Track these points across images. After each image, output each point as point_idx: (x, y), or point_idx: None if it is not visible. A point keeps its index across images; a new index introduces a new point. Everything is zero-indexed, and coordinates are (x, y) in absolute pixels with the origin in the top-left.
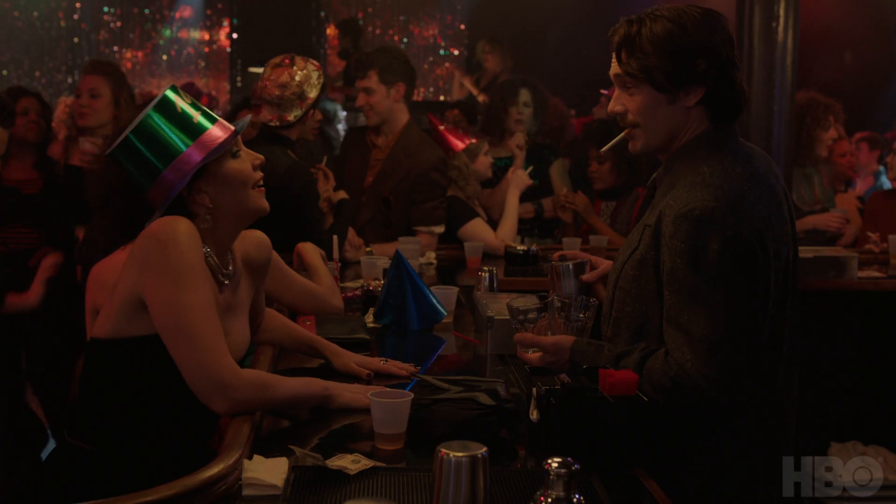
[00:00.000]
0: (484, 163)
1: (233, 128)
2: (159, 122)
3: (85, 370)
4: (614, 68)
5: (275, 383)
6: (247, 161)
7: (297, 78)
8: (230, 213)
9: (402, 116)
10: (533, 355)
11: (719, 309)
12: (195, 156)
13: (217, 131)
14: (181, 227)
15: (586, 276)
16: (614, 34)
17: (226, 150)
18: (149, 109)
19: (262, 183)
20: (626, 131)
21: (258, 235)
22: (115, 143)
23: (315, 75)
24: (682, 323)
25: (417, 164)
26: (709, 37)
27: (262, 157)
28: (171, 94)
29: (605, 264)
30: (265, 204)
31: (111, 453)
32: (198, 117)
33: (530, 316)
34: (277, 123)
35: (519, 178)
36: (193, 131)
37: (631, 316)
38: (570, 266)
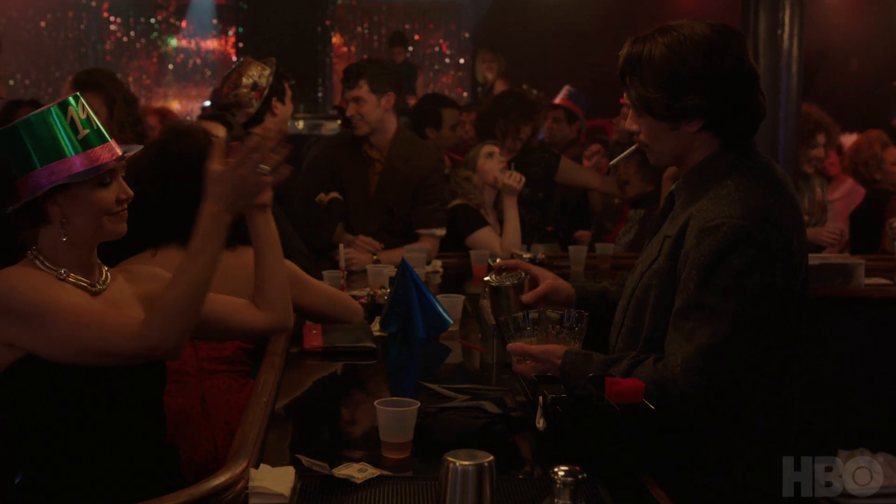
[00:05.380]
0: (485, 167)
1: (119, 152)
2: (56, 120)
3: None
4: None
5: (176, 284)
6: (113, 192)
7: (244, 77)
8: (82, 232)
9: (391, 125)
10: (526, 366)
11: (726, 320)
12: (77, 166)
13: (104, 152)
14: (12, 278)
15: (525, 297)
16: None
17: (98, 174)
18: (50, 106)
19: (122, 211)
20: (635, 146)
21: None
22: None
23: (260, 67)
24: (686, 329)
25: (416, 169)
26: (711, 66)
27: (131, 193)
28: (72, 101)
29: (546, 283)
30: (122, 228)
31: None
32: (89, 133)
33: (526, 330)
34: (247, 120)
35: (510, 186)
36: (85, 142)
37: (645, 327)
38: (508, 286)
